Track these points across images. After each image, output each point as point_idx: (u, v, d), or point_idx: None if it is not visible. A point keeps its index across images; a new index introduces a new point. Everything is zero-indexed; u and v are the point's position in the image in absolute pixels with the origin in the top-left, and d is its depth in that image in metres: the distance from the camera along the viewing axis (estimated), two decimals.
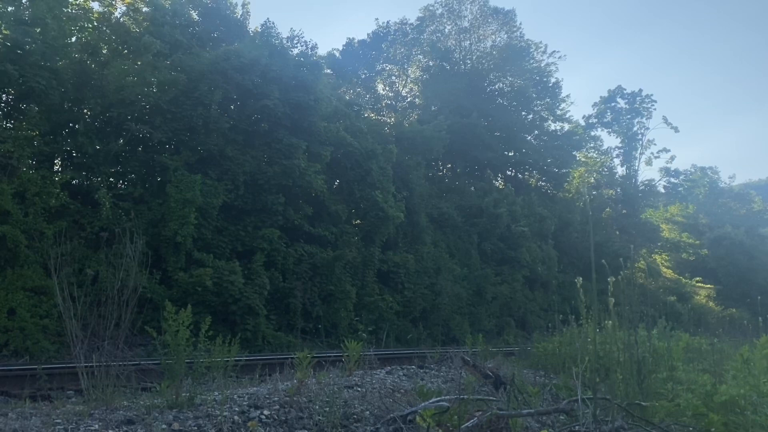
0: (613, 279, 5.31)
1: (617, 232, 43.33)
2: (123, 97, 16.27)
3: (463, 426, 4.47)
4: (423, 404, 5.07)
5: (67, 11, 16.30)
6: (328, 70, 30.85)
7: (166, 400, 5.05)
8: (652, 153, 50.19)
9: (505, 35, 40.96)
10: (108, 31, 18.03)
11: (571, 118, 44.07)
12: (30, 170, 14.64)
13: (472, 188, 33.93)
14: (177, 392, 5.15)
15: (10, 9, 15.11)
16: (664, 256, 48.91)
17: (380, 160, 22.21)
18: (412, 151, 26.72)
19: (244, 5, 24.04)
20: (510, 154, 39.45)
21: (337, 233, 20.32)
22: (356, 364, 7.48)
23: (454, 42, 40.92)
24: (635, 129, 49.13)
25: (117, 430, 4.38)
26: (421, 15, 41.21)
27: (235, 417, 4.78)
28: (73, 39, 16.88)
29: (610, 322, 5.91)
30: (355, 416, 5.25)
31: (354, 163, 21.41)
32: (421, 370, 8.88)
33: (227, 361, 5.94)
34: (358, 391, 6.24)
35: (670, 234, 50.33)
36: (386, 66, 39.75)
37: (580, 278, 5.50)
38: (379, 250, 21.97)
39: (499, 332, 25.74)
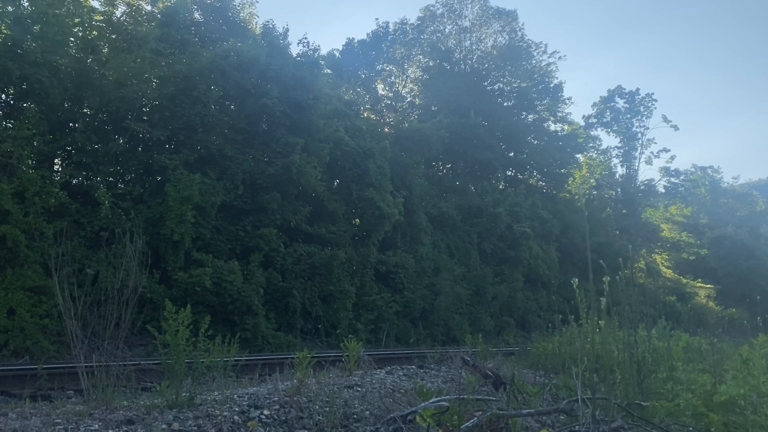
0: (608, 279, 5.31)
1: (617, 232, 43.33)
2: (122, 95, 16.27)
3: (463, 426, 4.47)
4: (423, 404, 5.07)
5: (68, 10, 16.29)
6: (328, 70, 30.87)
7: (166, 400, 5.05)
8: (652, 152, 50.29)
9: (506, 35, 40.98)
10: (109, 29, 18.04)
11: (572, 120, 44.22)
12: (30, 170, 14.63)
13: (472, 188, 33.94)
14: (177, 392, 5.15)
15: (10, 9, 15.10)
16: (664, 255, 48.92)
17: (377, 159, 22.21)
18: (411, 150, 26.71)
19: (251, 4, 24.16)
20: (511, 154, 39.49)
21: (335, 233, 20.32)
22: (356, 364, 7.49)
23: (454, 42, 40.93)
24: (635, 129, 49.21)
25: (117, 430, 4.38)
26: (421, 15, 41.24)
27: (235, 417, 4.79)
28: (73, 38, 16.87)
29: (603, 322, 5.90)
30: (355, 416, 5.25)
31: (352, 162, 21.41)
32: (421, 370, 8.88)
33: (227, 361, 5.94)
34: (358, 391, 6.25)
35: (670, 234, 50.34)
36: (386, 66, 39.75)
37: (577, 279, 5.50)
38: (377, 249, 21.96)
39: (499, 332, 25.75)
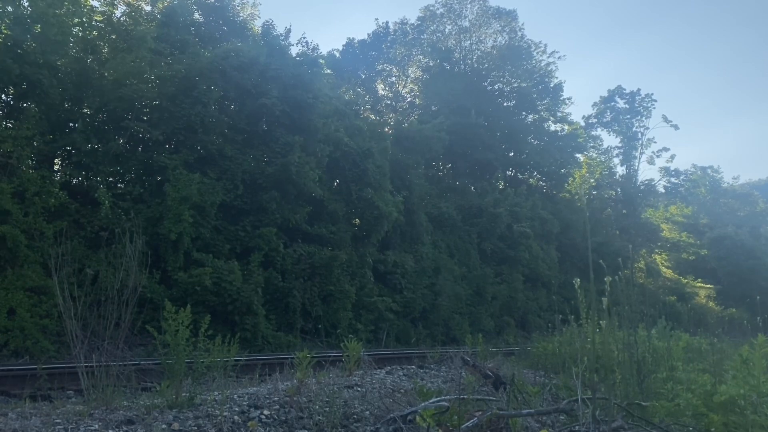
0: (610, 279, 5.31)
1: (617, 232, 43.32)
2: (122, 95, 16.27)
3: (463, 426, 4.47)
4: (423, 404, 5.07)
5: (68, 10, 16.29)
6: (328, 70, 30.86)
7: (166, 400, 5.05)
8: (653, 152, 50.19)
9: (506, 35, 40.98)
10: (109, 29, 18.05)
11: (572, 119, 44.21)
12: (30, 170, 14.64)
13: (472, 188, 33.94)
14: (177, 392, 5.15)
15: (10, 9, 15.10)
16: (664, 255, 48.89)
17: (377, 159, 22.22)
18: (411, 151, 26.72)
19: (254, 5, 24.19)
20: (511, 154, 39.49)
21: (335, 233, 20.33)
22: (356, 364, 7.49)
23: (454, 42, 40.95)
24: (635, 129, 49.16)
25: (117, 430, 4.38)
26: (421, 15, 41.27)
27: (235, 417, 4.78)
28: (73, 38, 16.88)
29: (605, 321, 5.91)
30: (355, 416, 5.25)
31: (351, 163, 21.42)
32: (421, 370, 8.88)
33: (227, 361, 5.94)
34: (358, 391, 6.24)
35: (670, 234, 50.31)
36: (386, 66, 39.75)
37: (578, 279, 5.50)
38: (377, 249, 21.95)
39: (499, 332, 25.75)
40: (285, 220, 18.67)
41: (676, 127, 48.81)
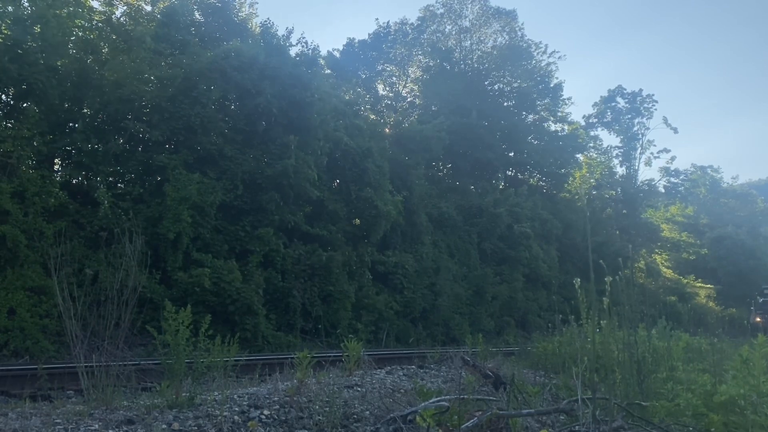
0: (610, 279, 5.31)
1: (617, 232, 43.31)
2: (121, 95, 16.27)
3: (463, 426, 4.47)
4: (423, 404, 5.07)
5: (68, 11, 16.29)
6: (328, 70, 30.84)
7: (166, 400, 5.05)
8: (652, 153, 50.17)
9: (506, 35, 40.96)
10: (108, 29, 18.05)
11: (572, 119, 44.19)
12: (29, 170, 14.64)
13: (473, 188, 33.92)
14: (177, 392, 5.15)
15: (10, 9, 15.10)
16: (664, 255, 48.88)
17: (376, 158, 22.20)
18: (411, 151, 26.71)
19: (251, 4, 24.18)
20: (511, 154, 39.48)
21: (335, 233, 20.32)
22: (356, 364, 7.49)
23: (454, 42, 40.92)
24: (635, 129, 49.12)
25: (117, 430, 4.38)
26: (421, 15, 41.21)
27: (235, 417, 4.78)
28: (73, 38, 16.88)
29: (605, 321, 5.91)
30: (355, 416, 5.25)
31: (351, 162, 21.41)
32: (421, 370, 8.88)
33: (227, 361, 5.94)
34: (358, 391, 6.25)
35: (670, 234, 50.30)
36: (386, 66, 39.70)
37: (579, 279, 5.50)
38: (377, 249, 21.93)
39: (499, 332, 25.73)
40: (284, 221, 18.67)
41: (675, 130, 48.77)
